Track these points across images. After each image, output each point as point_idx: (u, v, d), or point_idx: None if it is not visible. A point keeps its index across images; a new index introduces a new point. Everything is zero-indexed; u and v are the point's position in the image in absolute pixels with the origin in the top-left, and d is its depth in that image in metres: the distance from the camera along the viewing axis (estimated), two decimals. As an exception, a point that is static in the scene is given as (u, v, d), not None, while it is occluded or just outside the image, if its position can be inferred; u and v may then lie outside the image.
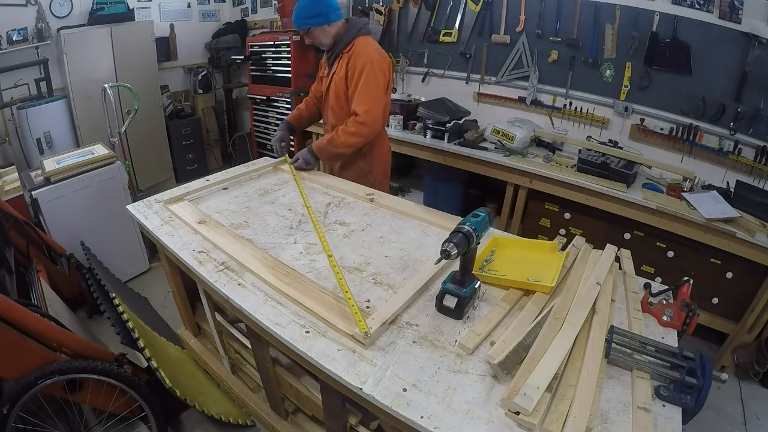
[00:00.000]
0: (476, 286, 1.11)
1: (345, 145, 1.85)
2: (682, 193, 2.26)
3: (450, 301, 1.08)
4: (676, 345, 1.02)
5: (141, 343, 1.49)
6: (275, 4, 4.03)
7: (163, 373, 1.46)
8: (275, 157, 2.17)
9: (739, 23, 2.16)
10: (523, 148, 2.74)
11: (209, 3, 4.37)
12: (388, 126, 3.12)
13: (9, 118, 3.15)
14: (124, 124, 2.96)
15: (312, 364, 0.99)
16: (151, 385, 1.55)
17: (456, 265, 1.12)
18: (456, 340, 1.02)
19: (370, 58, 1.79)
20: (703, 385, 0.86)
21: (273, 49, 3.77)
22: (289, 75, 3.70)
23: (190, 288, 1.78)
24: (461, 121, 2.94)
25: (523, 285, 1.18)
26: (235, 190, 1.82)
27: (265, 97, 3.93)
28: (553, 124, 2.94)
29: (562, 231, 2.62)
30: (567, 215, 2.62)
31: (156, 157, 4.00)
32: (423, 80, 3.44)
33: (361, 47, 1.82)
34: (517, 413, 0.82)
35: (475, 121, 3.11)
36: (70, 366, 1.39)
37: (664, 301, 1.13)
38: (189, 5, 4.20)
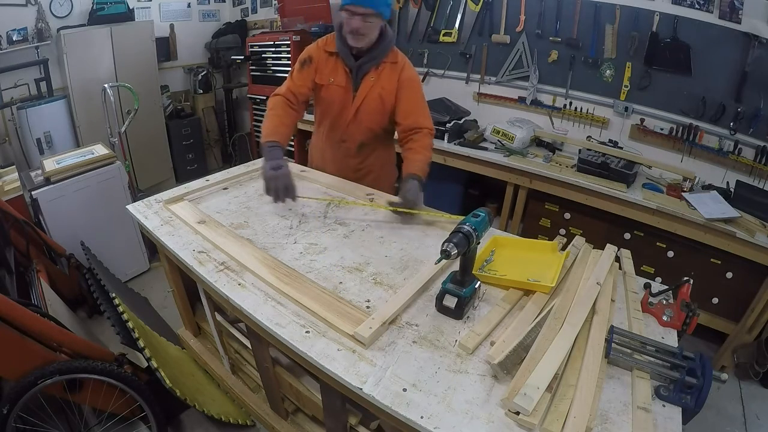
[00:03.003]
0: (476, 286, 1.11)
1: (427, 161, 1.65)
2: (682, 193, 2.26)
3: (450, 301, 1.08)
4: (676, 345, 1.02)
5: (141, 343, 1.49)
6: (275, 4, 4.02)
7: (163, 373, 1.46)
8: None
9: (739, 23, 2.16)
10: (523, 148, 2.74)
11: (209, 3, 4.36)
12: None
13: (9, 118, 3.15)
14: (124, 124, 2.96)
15: (312, 364, 0.99)
16: (151, 385, 1.55)
17: (456, 265, 1.12)
18: (456, 340, 1.02)
19: (416, 72, 1.72)
20: (703, 385, 0.86)
21: (273, 49, 3.77)
22: (289, 75, 3.70)
23: (190, 288, 1.78)
24: (461, 121, 2.94)
25: (523, 285, 1.18)
26: (235, 190, 1.82)
27: (265, 97, 3.93)
28: (553, 124, 2.94)
29: (562, 231, 2.62)
30: (567, 215, 2.62)
31: (156, 157, 4.00)
32: (423, 80, 3.43)
33: (406, 60, 1.70)
34: (517, 413, 0.82)
35: (475, 121, 3.11)
36: (70, 366, 1.39)
37: (664, 301, 1.14)
38: (189, 5, 4.19)
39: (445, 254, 0.99)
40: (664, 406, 0.88)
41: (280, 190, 1.50)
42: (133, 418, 1.60)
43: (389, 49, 1.65)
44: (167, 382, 1.47)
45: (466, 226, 1.02)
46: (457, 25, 3.12)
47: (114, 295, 1.62)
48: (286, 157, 1.62)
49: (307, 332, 1.04)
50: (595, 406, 0.85)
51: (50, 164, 2.38)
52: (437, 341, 1.02)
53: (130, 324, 1.52)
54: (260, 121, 4.09)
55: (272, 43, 3.75)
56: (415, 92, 1.68)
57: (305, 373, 1.36)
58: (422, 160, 1.60)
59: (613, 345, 0.96)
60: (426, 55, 3.33)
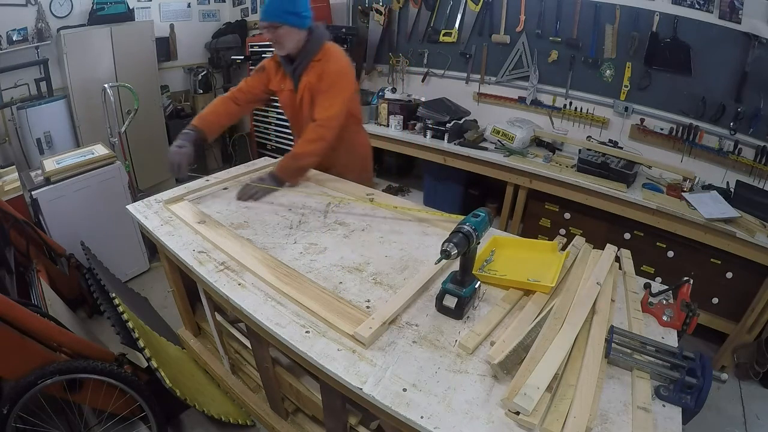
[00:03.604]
0: (476, 286, 1.11)
1: (310, 155, 1.74)
2: (682, 193, 2.26)
3: (450, 301, 1.08)
4: (676, 345, 1.02)
5: (141, 343, 1.49)
6: (275, 4, 4.02)
7: (163, 373, 1.46)
8: (275, 157, 2.17)
9: (739, 23, 2.16)
10: (523, 148, 2.74)
11: (209, 3, 4.36)
12: (387, 126, 3.13)
13: (9, 118, 3.14)
14: (124, 124, 2.96)
15: (312, 364, 0.99)
16: (151, 385, 1.55)
17: (456, 265, 1.12)
18: (456, 340, 1.02)
19: (343, 66, 1.75)
20: (703, 385, 0.86)
21: (273, 49, 3.76)
22: (289, 75, 3.69)
23: (190, 288, 1.78)
24: (461, 121, 2.94)
25: (523, 285, 1.18)
26: (235, 190, 1.82)
27: (265, 97, 3.93)
28: (553, 124, 2.94)
29: (562, 231, 2.62)
30: (567, 215, 2.62)
31: (156, 157, 3.99)
32: (423, 80, 3.43)
33: (335, 53, 1.75)
34: (517, 413, 0.82)
35: (475, 121, 3.11)
36: (70, 366, 1.39)
37: (664, 301, 1.14)
38: (189, 5, 4.19)
39: (445, 254, 0.99)
40: (664, 406, 0.88)
41: (175, 164, 1.69)
42: (133, 418, 1.60)
43: (317, 49, 1.73)
44: (167, 382, 1.47)
45: (466, 226, 1.02)
46: (457, 25, 3.12)
47: (114, 295, 1.62)
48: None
49: (307, 332, 1.04)
50: (595, 406, 0.85)
51: (50, 164, 2.38)
52: (437, 341, 1.02)
53: (130, 324, 1.52)
54: (260, 122, 4.11)
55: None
56: (327, 85, 1.71)
57: (305, 373, 1.36)
58: (288, 156, 1.77)
59: (613, 345, 0.96)
60: (426, 55, 3.33)
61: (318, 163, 1.86)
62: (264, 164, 2.07)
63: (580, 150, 2.58)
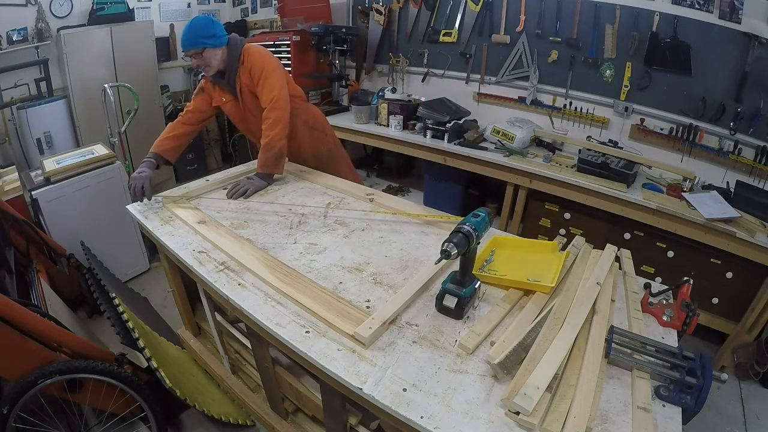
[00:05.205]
0: (476, 286, 1.11)
1: (277, 138, 1.82)
2: (682, 193, 2.25)
3: (450, 301, 1.08)
4: (676, 345, 1.02)
5: (141, 343, 1.49)
6: (275, 4, 4.02)
7: (163, 373, 1.46)
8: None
9: (739, 23, 2.16)
10: (523, 148, 2.74)
11: (209, 3, 4.36)
12: (387, 126, 3.13)
13: (9, 118, 3.15)
14: (124, 124, 2.96)
15: (312, 364, 0.99)
16: (151, 385, 1.55)
17: (456, 265, 1.12)
18: (456, 340, 1.02)
19: (263, 55, 1.89)
20: (703, 385, 0.86)
21: (273, 49, 3.76)
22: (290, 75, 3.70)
23: (190, 288, 1.78)
24: (461, 121, 2.94)
25: (523, 285, 1.18)
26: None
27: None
28: (553, 124, 2.94)
29: (562, 231, 2.62)
30: (567, 215, 2.62)
31: (156, 157, 3.99)
32: (423, 80, 3.43)
33: (253, 50, 1.88)
34: (517, 413, 0.82)
35: (475, 121, 3.11)
36: (70, 366, 1.39)
37: (664, 301, 1.14)
38: (189, 5, 4.19)
39: (445, 254, 0.99)
40: (664, 406, 0.88)
41: (137, 189, 1.70)
42: (133, 418, 1.60)
43: (238, 55, 1.86)
44: (167, 382, 1.47)
45: (466, 226, 1.02)
46: (457, 25, 3.12)
47: (114, 295, 1.62)
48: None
49: (307, 332, 1.04)
50: (595, 406, 0.85)
51: (50, 164, 2.38)
52: (437, 341, 1.02)
53: (130, 324, 1.52)
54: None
55: (272, 43, 3.74)
56: (258, 76, 1.83)
57: (305, 373, 1.36)
58: (262, 152, 1.84)
59: (613, 345, 0.96)
60: (426, 55, 3.33)
61: (288, 145, 1.93)
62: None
63: (580, 150, 2.57)
